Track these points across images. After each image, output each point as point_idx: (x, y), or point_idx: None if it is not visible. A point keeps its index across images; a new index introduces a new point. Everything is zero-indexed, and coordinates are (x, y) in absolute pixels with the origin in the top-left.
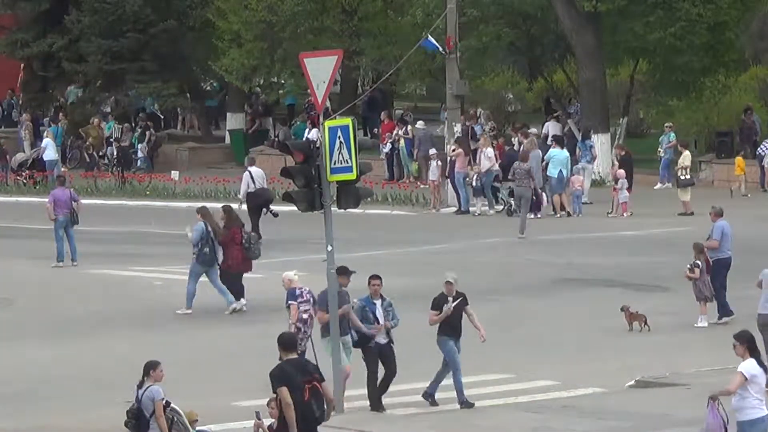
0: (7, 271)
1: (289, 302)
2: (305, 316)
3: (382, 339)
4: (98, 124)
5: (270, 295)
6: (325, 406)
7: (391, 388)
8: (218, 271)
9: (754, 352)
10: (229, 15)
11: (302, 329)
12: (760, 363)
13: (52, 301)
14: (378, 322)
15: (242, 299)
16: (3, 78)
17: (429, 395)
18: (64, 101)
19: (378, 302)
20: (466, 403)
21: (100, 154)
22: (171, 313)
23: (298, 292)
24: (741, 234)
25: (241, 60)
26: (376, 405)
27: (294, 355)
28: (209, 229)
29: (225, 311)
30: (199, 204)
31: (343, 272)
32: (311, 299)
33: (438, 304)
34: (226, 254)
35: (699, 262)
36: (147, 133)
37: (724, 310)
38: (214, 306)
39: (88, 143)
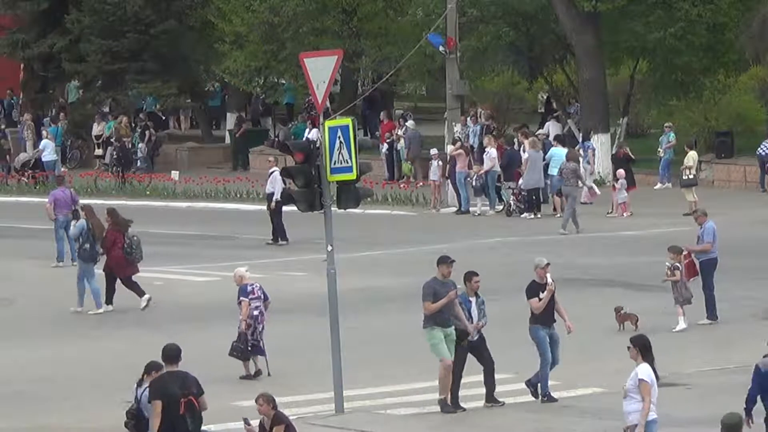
0: (7, 271)
1: (241, 298)
2: (256, 312)
3: (473, 336)
4: (126, 123)
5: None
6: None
7: (391, 388)
8: (94, 271)
9: (647, 356)
10: (232, 17)
11: (253, 325)
12: (653, 368)
13: (52, 301)
14: (472, 320)
15: (110, 306)
16: (3, 78)
17: (533, 384)
18: (64, 101)
19: (474, 300)
20: (549, 397)
21: (98, 154)
22: (171, 313)
23: (249, 288)
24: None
25: (246, 62)
26: (456, 403)
27: (175, 368)
28: (89, 226)
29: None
30: (200, 204)
31: (444, 261)
32: (262, 295)
33: (534, 290)
34: (109, 257)
35: (678, 264)
36: (147, 132)
37: (712, 313)
38: (214, 306)
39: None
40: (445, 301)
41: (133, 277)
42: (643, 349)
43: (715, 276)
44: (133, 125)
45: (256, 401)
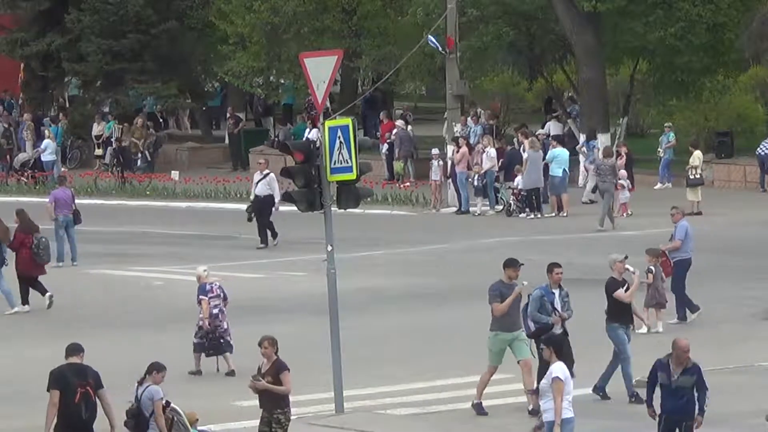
0: (7, 271)
1: (200, 297)
2: (216, 311)
3: (557, 330)
4: (142, 124)
5: (270, 295)
6: (109, 414)
7: (391, 388)
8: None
9: (561, 356)
10: (234, 17)
11: (214, 323)
12: (568, 367)
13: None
14: (556, 313)
15: (26, 306)
16: (3, 78)
17: (600, 389)
18: (63, 101)
19: (557, 292)
20: (636, 397)
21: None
22: (171, 313)
23: (208, 287)
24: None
25: (248, 63)
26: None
27: (76, 360)
28: None
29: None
30: (200, 204)
31: (512, 264)
32: (222, 294)
33: (615, 286)
34: (17, 258)
35: (652, 267)
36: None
37: (683, 312)
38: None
39: (131, 143)
40: (512, 298)
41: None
42: (557, 348)
43: (687, 277)
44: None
45: (260, 345)
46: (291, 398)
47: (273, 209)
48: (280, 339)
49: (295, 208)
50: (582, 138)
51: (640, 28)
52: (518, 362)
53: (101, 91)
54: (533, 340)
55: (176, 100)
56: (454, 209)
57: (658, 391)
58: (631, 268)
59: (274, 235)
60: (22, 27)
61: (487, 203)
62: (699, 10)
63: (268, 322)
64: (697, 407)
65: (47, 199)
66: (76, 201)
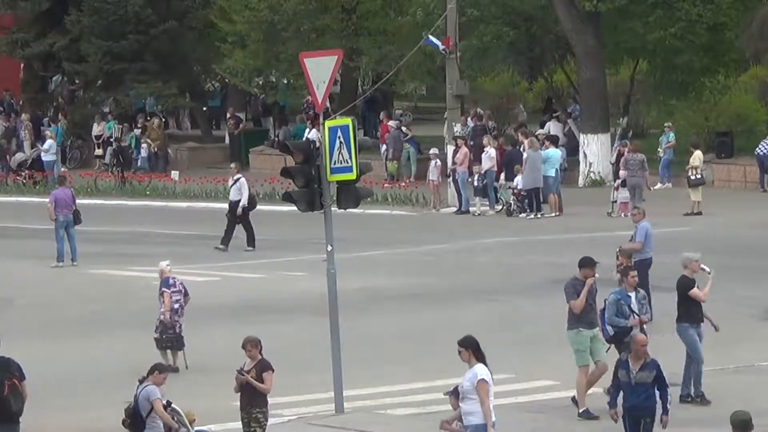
0: (7, 271)
1: (163, 290)
2: (176, 306)
3: (635, 331)
4: (158, 125)
5: (270, 295)
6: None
7: (391, 388)
8: None
9: (480, 357)
10: (233, 15)
11: (173, 318)
12: (486, 365)
13: (52, 301)
14: (634, 316)
15: None
16: (3, 78)
17: (690, 396)
18: (63, 101)
19: (633, 294)
20: (702, 399)
21: (98, 154)
22: None
23: (171, 281)
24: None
25: (246, 61)
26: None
27: None
28: None
29: None
30: (200, 204)
31: (588, 264)
32: (183, 289)
33: (689, 285)
34: None
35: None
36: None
37: (651, 312)
38: (214, 306)
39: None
40: (586, 290)
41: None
42: (475, 350)
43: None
44: (131, 125)
45: (243, 347)
46: (291, 398)
47: (246, 214)
48: (280, 339)
49: (294, 207)
50: (581, 138)
51: (640, 28)
52: (596, 363)
53: (101, 91)
54: (612, 345)
55: (176, 100)
56: (454, 209)
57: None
58: (707, 268)
59: (249, 240)
60: (22, 27)
61: (487, 203)
62: (699, 10)
63: (268, 322)
64: (660, 408)
65: (47, 199)
66: (77, 201)
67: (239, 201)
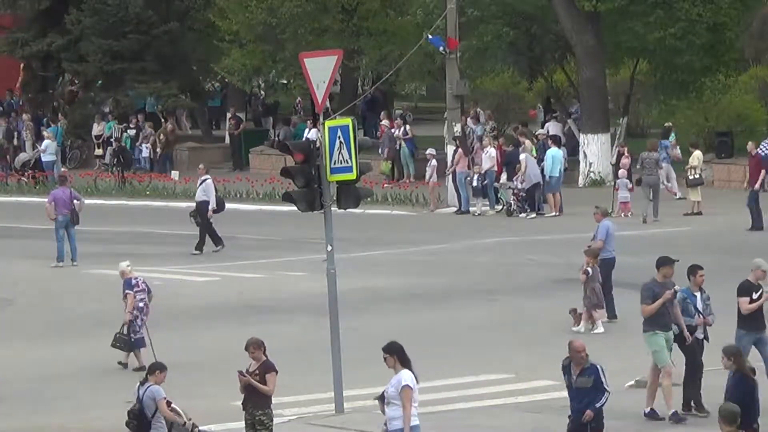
0: (7, 271)
1: (126, 291)
2: (141, 304)
3: (699, 334)
4: (172, 130)
5: (270, 295)
6: None
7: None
8: None
9: (405, 362)
10: (230, 15)
11: (139, 317)
12: (412, 371)
13: (52, 301)
14: (699, 315)
15: None
16: (3, 78)
17: None
18: (63, 101)
19: (698, 294)
20: None
21: (98, 154)
22: (171, 313)
23: (134, 281)
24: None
25: (243, 61)
26: (688, 406)
27: None
28: None
29: None
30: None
31: (667, 263)
32: (146, 288)
33: (747, 290)
34: None
35: (589, 268)
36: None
37: (612, 312)
38: (214, 306)
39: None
40: (662, 301)
41: None
42: (400, 356)
43: (613, 275)
44: (129, 126)
45: (246, 349)
46: (291, 398)
47: (210, 215)
48: (280, 339)
49: (294, 207)
50: (581, 138)
51: (640, 28)
52: (662, 367)
53: (101, 91)
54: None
55: (176, 100)
56: (454, 209)
57: None
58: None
59: (216, 241)
60: (22, 27)
61: (487, 203)
62: (699, 9)
63: (268, 322)
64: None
65: (47, 199)
66: (76, 201)
67: (205, 202)
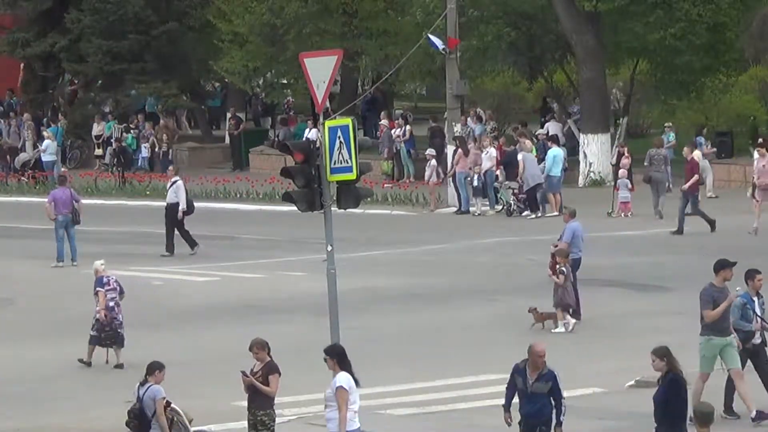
0: (7, 271)
1: (97, 289)
2: (111, 303)
3: (756, 339)
4: (173, 126)
5: (270, 295)
6: None
7: (391, 388)
8: None
9: (344, 365)
10: (232, 17)
11: (110, 315)
12: (353, 375)
13: (52, 301)
14: (757, 320)
15: None
16: (3, 78)
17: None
18: (62, 101)
19: (756, 299)
20: None
21: (98, 154)
22: (171, 313)
23: (105, 280)
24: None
25: (243, 61)
26: (729, 409)
27: None
28: None
29: None
30: (200, 204)
31: (726, 265)
32: (118, 287)
33: None
34: None
35: (564, 268)
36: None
37: (578, 313)
38: (214, 306)
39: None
40: (726, 305)
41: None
42: (339, 358)
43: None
44: (129, 126)
45: (250, 349)
46: (291, 398)
47: (180, 217)
48: (280, 339)
49: (294, 207)
50: (581, 138)
51: (641, 29)
52: (728, 371)
53: (101, 91)
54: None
55: (176, 100)
56: (454, 209)
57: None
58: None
59: (192, 244)
60: (22, 27)
61: (487, 203)
62: (699, 10)
63: (268, 322)
64: (554, 420)
65: (47, 199)
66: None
67: (176, 204)
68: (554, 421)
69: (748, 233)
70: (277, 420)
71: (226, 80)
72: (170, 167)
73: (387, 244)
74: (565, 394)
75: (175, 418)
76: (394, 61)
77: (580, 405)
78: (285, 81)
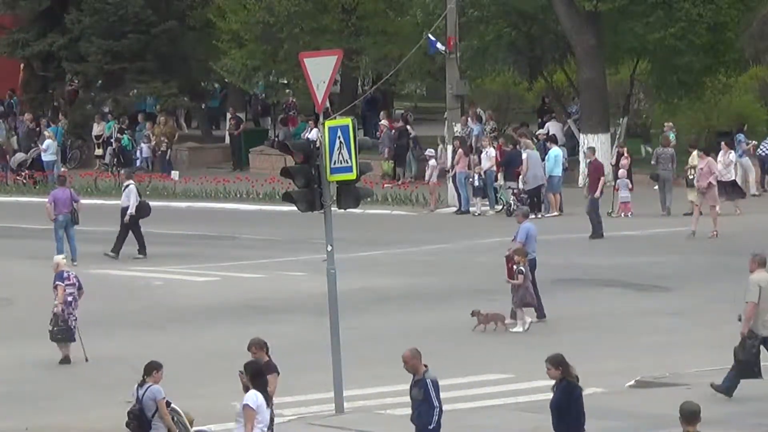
0: (7, 271)
1: (57, 283)
2: (69, 298)
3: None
4: (172, 124)
5: (270, 295)
6: None
7: (391, 388)
8: None
9: (257, 384)
10: (229, 15)
11: (67, 310)
12: (264, 393)
13: (52, 301)
14: None
15: None
16: (3, 78)
17: None
18: (62, 101)
19: None
20: None
21: (98, 154)
22: (171, 313)
23: (65, 275)
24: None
25: (242, 61)
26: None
27: None
28: None
29: None
30: (200, 204)
31: None
32: (77, 283)
33: None
34: None
35: (522, 268)
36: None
37: (541, 311)
38: (214, 306)
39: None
40: None
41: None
42: (253, 376)
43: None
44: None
45: (248, 349)
46: (291, 398)
47: (136, 221)
48: (281, 339)
49: (295, 208)
50: (581, 138)
51: (641, 29)
52: None
53: (101, 91)
54: None
55: (176, 100)
56: (454, 209)
57: None
58: None
59: (141, 248)
60: (22, 27)
61: (487, 203)
62: (699, 9)
63: (268, 322)
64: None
65: (47, 199)
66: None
67: (126, 207)
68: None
69: (686, 238)
70: (277, 420)
71: (226, 80)
72: (122, 171)
73: (387, 244)
74: None
75: (176, 418)
76: (394, 60)
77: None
78: (285, 81)
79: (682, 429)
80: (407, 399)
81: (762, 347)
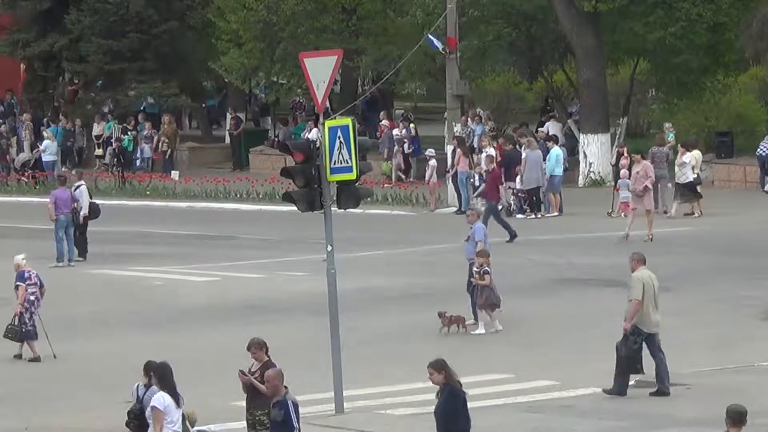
0: (8, 271)
1: (18, 283)
2: (32, 297)
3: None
4: (173, 125)
5: (270, 295)
6: None
7: (391, 388)
8: None
9: (165, 385)
10: (228, 14)
11: (29, 309)
12: (174, 394)
13: (52, 301)
14: None
15: None
16: (3, 78)
17: None
18: (63, 101)
19: None
20: None
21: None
22: (171, 313)
23: (26, 275)
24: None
25: (241, 60)
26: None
27: None
28: None
29: None
30: (200, 204)
31: None
32: (38, 282)
33: None
34: None
35: (488, 268)
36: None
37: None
38: (214, 306)
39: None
40: None
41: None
42: (160, 377)
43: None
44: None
45: (248, 349)
46: None
47: (81, 221)
48: (281, 339)
49: (295, 208)
50: (581, 138)
51: (640, 28)
52: None
53: (101, 91)
54: None
55: (176, 100)
56: (454, 209)
57: None
58: None
59: (82, 251)
60: (22, 28)
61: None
62: (699, 9)
63: (268, 322)
64: None
65: (47, 199)
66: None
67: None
68: None
69: (614, 243)
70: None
71: (225, 80)
72: (73, 171)
73: (387, 244)
74: (566, 394)
75: None
76: (394, 60)
77: (580, 405)
78: (284, 81)
79: (725, 430)
80: (407, 399)
81: (644, 344)
